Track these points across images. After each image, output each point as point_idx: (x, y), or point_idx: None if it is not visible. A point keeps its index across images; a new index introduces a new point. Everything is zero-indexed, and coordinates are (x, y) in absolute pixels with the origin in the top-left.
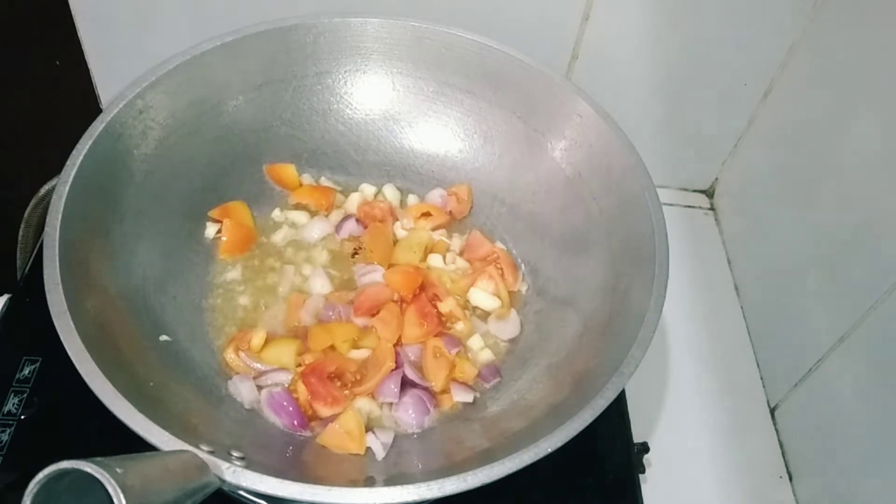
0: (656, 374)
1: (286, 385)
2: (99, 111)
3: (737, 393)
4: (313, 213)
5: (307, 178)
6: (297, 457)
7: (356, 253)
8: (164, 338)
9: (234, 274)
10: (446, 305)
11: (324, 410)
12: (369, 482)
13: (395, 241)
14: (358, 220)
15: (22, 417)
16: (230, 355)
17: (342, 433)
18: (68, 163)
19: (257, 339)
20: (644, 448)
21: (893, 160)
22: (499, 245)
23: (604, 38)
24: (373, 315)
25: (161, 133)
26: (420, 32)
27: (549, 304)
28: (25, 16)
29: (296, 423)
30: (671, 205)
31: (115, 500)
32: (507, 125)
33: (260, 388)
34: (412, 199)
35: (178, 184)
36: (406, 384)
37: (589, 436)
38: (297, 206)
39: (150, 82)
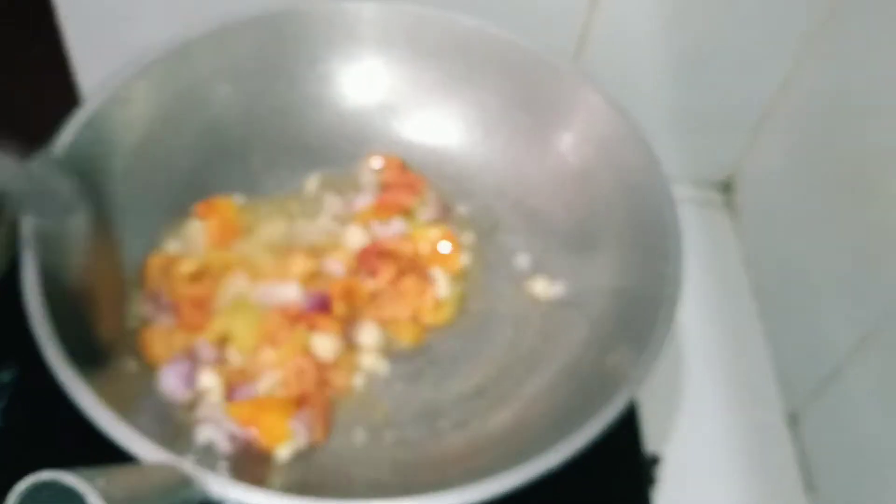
0: (669, 381)
1: None
2: (80, 102)
3: (754, 401)
4: None
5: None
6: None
7: None
8: None
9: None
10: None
11: None
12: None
13: None
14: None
15: (0, 427)
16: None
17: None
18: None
19: (187, 265)
20: (655, 459)
21: None
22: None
23: (613, 23)
24: None
25: (145, 125)
26: (418, 18)
27: (553, 306)
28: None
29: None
30: (685, 200)
31: None
32: (510, 116)
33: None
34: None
35: (163, 177)
36: None
37: (598, 446)
38: None
39: (133, 73)
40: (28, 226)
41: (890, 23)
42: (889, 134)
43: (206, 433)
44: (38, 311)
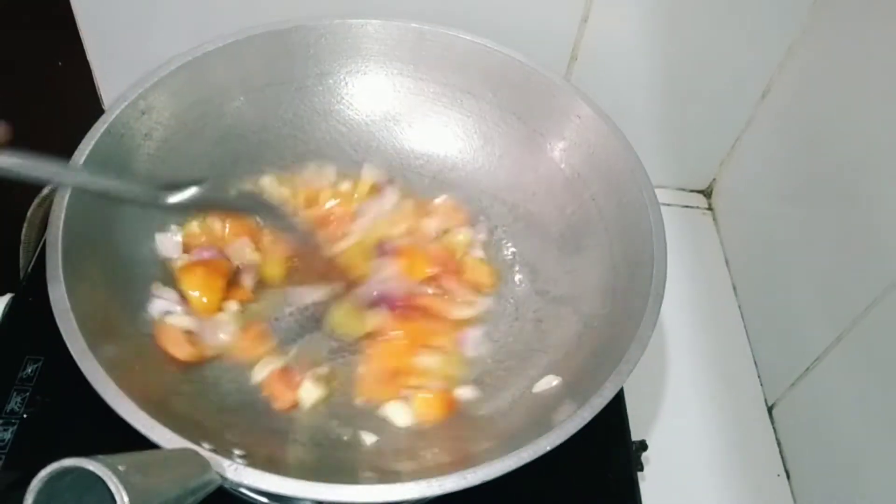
0: (654, 373)
1: None
2: (101, 112)
3: (734, 391)
4: None
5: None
6: (299, 454)
7: None
8: None
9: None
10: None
11: None
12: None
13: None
14: None
15: (24, 416)
16: None
17: None
18: (71, 163)
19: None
20: (642, 446)
21: (892, 159)
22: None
23: (603, 39)
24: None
25: (163, 134)
26: (421, 34)
27: (548, 304)
28: (27, 16)
29: None
30: (669, 205)
31: (117, 497)
32: (506, 126)
33: None
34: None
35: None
36: None
37: (587, 434)
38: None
39: (152, 83)
40: (56, 223)
41: (861, 41)
42: (861, 143)
43: (158, 306)
44: (62, 305)
